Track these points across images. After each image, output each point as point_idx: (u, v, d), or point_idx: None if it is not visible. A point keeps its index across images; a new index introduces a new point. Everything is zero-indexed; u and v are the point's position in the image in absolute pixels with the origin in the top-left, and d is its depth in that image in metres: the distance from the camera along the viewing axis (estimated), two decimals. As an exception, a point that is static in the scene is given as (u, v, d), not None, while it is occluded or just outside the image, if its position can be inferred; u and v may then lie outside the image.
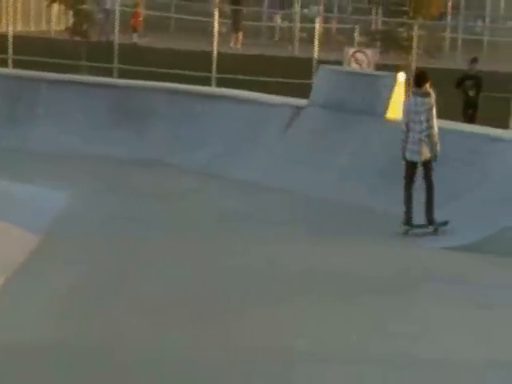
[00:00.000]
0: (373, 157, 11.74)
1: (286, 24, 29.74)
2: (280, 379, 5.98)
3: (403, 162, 9.86)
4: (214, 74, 17.90)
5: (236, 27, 26.78)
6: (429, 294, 7.87)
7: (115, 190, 11.22)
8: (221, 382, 5.88)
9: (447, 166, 10.61)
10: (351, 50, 18.30)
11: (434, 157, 9.73)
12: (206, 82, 17.43)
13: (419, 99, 9.77)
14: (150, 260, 8.37)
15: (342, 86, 12.89)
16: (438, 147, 9.71)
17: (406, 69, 15.06)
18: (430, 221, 9.75)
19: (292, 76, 17.95)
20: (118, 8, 20.76)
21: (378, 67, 17.23)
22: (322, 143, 12.33)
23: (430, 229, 9.73)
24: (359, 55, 17.93)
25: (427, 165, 9.77)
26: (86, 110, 13.96)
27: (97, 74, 16.44)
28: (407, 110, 9.82)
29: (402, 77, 12.44)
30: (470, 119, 15.72)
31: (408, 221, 9.78)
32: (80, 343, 6.27)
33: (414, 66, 17.35)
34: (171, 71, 17.12)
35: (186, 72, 17.28)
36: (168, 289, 7.55)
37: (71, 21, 22.47)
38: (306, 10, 29.91)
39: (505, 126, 15.10)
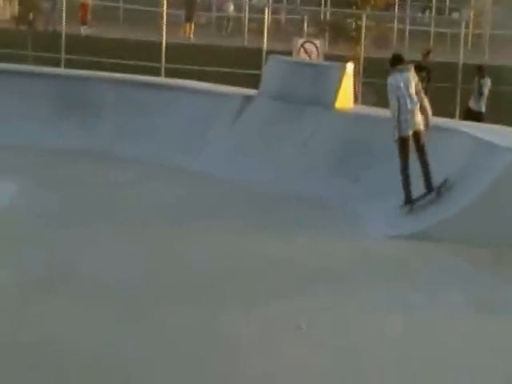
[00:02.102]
0: (322, 148, 11.80)
1: (235, 14, 29.69)
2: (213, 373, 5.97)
3: (397, 140, 9.80)
4: (163, 64, 17.78)
5: (189, 17, 26.67)
6: (381, 283, 7.93)
7: (62, 182, 11.06)
8: (148, 377, 5.85)
9: (393, 154, 10.76)
10: (300, 41, 18.34)
11: (427, 126, 9.89)
12: (155, 72, 17.31)
13: (405, 74, 9.92)
14: (87, 252, 8.31)
15: (291, 77, 12.91)
16: (430, 116, 9.95)
17: (354, 59, 15.16)
18: (431, 188, 9.79)
19: (242, 66, 17.93)
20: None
21: (327, 58, 17.32)
22: (272, 134, 12.35)
23: (433, 195, 9.75)
24: (308, 46, 17.98)
25: (420, 135, 9.86)
26: (34, 101, 13.76)
27: (43, 65, 16.20)
28: (397, 87, 9.83)
29: (350, 67, 12.52)
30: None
31: (409, 199, 9.80)
32: (13, 340, 6.20)
33: (362, 56, 17.50)
34: (120, 61, 16.97)
35: (135, 62, 17.14)
36: (102, 283, 7.50)
37: (17, 9, 22.12)
38: (254, 1, 29.89)
39: (451, 116, 15.35)
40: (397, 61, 10.10)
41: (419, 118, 9.84)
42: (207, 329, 6.63)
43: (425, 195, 9.77)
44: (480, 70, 16.15)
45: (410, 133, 9.81)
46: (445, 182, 9.77)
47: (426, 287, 7.91)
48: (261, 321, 6.88)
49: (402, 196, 9.78)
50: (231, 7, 30.40)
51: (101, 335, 6.41)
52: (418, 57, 18.06)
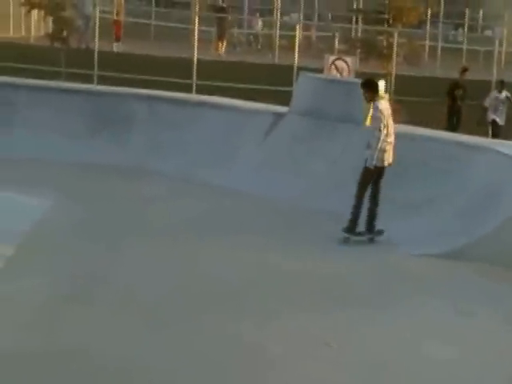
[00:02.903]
0: (352, 164, 11.74)
1: (266, 31, 29.82)
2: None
3: (371, 169, 9.41)
4: (194, 81, 17.90)
5: (220, 35, 26.87)
6: (406, 300, 7.87)
7: (94, 196, 11.16)
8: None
9: (425, 172, 10.68)
10: (331, 58, 18.35)
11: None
12: (186, 88, 17.42)
13: (386, 102, 9.65)
14: (117, 265, 8.38)
15: (321, 94, 12.91)
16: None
17: (386, 76, 15.12)
18: (371, 229, 9.60)
19: (273, 83, 17.97)
20: (97, 14, 20.70)
21: (358, 75, 17.30)
22: (302, 150, 12.34)
23: (367, 238, 9.59)
24: (339, 63, 17.98)
25: (385, 170, 9.62)
26: (66, 117, 13.90)
27: (76, 81, 16.38)
28: (384, 115, 9.49)
29: (381, 84, 12.47)
30: (454, 127, 16.15)
31: (353, 228, 9.53)
32: (44, 349, 6.27)
33: (394, 73, 17.44)
34: (152, 78, 17.10)
35: (167, 79, 17.26)
36: (130, 294, 7.55)
37: (51, 27, 22.42)
38: (286, 18, 29.97)
39: (484, 134, 15.24)
40: (377, 87, 9.55)
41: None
42: (232, 341, 6.64)
43: (361, 234, 9.57)
44: (502, 85, 16.46)
45: (386, 164, 9.50)
46: (381, 231, 9.57)
47: (453, 305, 7.81)
48: (286, 335, 6.87)
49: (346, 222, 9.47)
50: (259, 24, 30.57)
51: (129, 345, 6.45)
52: (451, 74, 17.99)
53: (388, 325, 7.25)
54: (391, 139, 9.56)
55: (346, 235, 9.57)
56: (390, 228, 9.95)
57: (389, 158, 9.59)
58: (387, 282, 8.49)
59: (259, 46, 29.74)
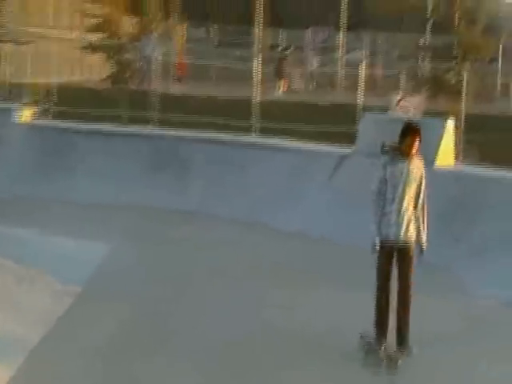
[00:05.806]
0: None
1: (327, 69, 29.56)
2: None
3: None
4: (254, 123, 17.60)
5: (280, 74, 26.75)
6: (487, 350, 7.39)
7: (153, 242, 10.92)
8: None
9: (496, 216, 10.13)
10: (397, 97, 17.88)
11: None
12: (247, 130, 17.13)
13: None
14: (184, 314, 8.13)
15: (387, 134, 12.38)
16: None
17: (455, 114, 14.54)
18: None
19: (336, 123, 17.53)
20: (159, 56, 20.72)
21: (426, 113, 16.78)
22: (368, 192, 11.82)
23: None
24: (405, 102, 17.50)
25: None
26: (126, 161, 13.84)
27: (136, 123, 16.32)
28: None
29: (451, 123, 12.03)
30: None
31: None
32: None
33: (463, 111, 16.83)
34: (211, 120, 16.86)
35: (226, 121, 17.01)
36: (202, 347, 7.26)
37: (112, 69, 22.59)
38: (349, 55, 29.60)
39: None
40: None
41: None
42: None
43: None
44: None
45: None
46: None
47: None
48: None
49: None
50: (315, 61, 30.36)
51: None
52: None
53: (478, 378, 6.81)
54: None
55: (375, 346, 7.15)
56: (464, 271, 9.44)
57: None
58: (473, 331, 8.02)
59: (314, 85, 29.41)
